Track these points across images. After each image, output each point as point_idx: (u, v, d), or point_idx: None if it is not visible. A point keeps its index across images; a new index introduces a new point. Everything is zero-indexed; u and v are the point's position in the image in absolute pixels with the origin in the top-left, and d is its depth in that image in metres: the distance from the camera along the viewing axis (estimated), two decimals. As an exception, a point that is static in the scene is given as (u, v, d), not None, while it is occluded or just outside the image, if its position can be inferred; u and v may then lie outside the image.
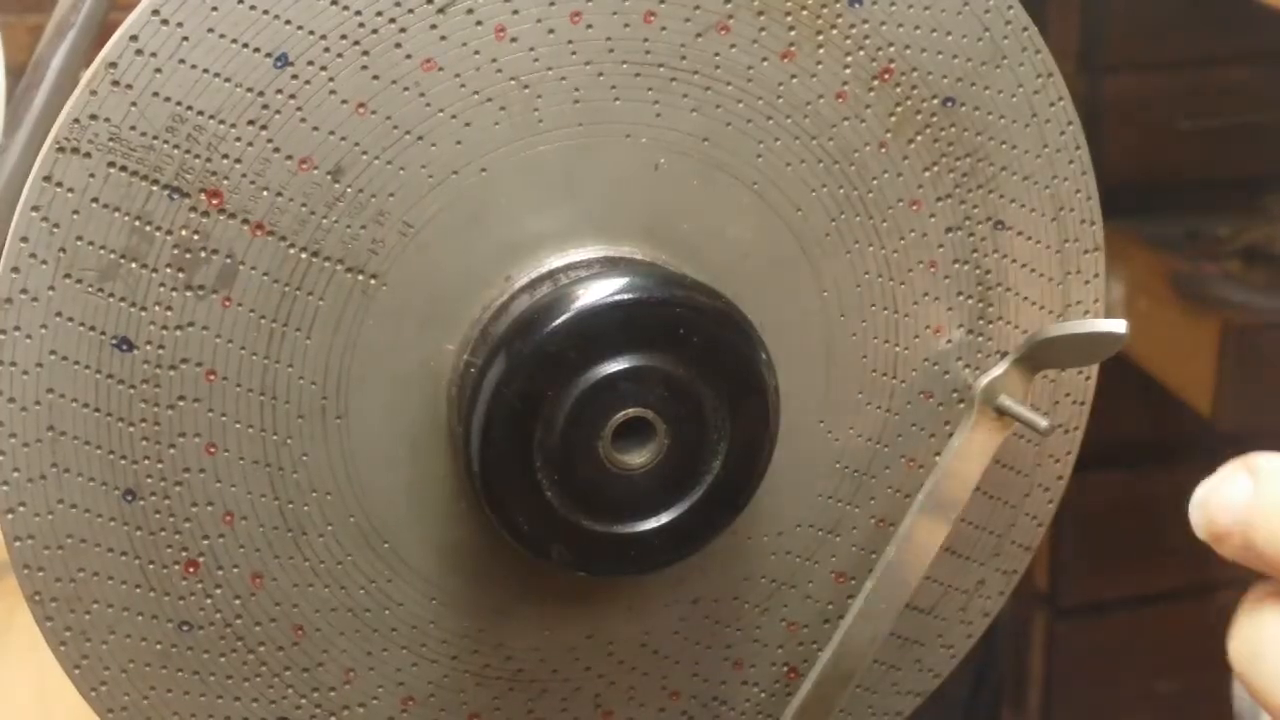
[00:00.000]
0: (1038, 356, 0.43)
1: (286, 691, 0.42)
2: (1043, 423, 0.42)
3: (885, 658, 0.47)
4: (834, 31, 0.41)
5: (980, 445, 0.44)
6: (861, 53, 0.42)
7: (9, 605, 0.42)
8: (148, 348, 0.39)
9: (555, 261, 0.41)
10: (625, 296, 0.38)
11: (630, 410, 0.39)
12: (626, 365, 0.38)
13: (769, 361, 0.40)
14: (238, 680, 0.42)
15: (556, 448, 0.39)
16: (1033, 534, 0.48)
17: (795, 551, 0.45)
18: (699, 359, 0.39)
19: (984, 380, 0.44)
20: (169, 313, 0.39)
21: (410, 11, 0.38)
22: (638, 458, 0.39)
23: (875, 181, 0.43)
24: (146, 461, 0.39)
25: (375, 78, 0.39)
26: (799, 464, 0.44)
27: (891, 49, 0.42)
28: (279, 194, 0.39)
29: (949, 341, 0.44)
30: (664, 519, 0.40)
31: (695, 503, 0.40)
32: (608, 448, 0.39)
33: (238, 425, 0.40)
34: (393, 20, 0.38)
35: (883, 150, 0.43)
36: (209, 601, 0.41)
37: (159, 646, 0.41)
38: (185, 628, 0.41)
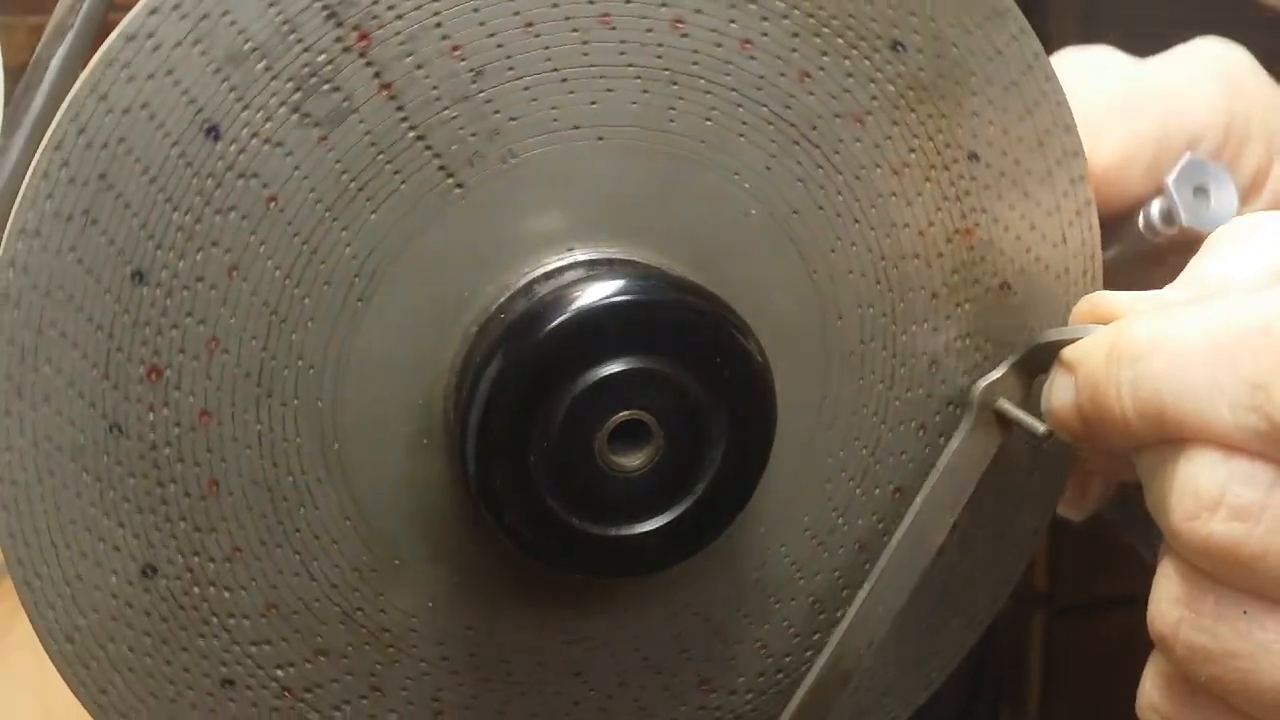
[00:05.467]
0: (1036, 360, 0.43)
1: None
2: (1041, 427, 0.42)
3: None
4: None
5: (978, 449, 0.44)
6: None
7: (9, 607, 0.42)
8: (231, 146, 0.39)
9: (557, 261, 0.41)
10: (623, 298, 0.39)
11: (627, 413, 0.39)
12: (623, 368, 0.39)
13: (766, 365, 0.40)
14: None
15: (553, 449, 0.39)
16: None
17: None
18: (696, 362, 0.39)
19: (982, 384, 0.44)
20: (266, 124, 0.39)
21: None
22: (634, 460, 0.40)
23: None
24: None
25: (555, 5, 0.39)
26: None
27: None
28: (419, 66, 0.39)
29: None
30: (660, 521, 0.40)
31: (692, 505, 0.40)
32: (604, 450, 0.39)
33: (273, 268, 0.39)
34: None
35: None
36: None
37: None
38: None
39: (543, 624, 0.44)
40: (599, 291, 0.39)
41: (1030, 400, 0.43)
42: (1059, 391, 0.40)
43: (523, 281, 0.40)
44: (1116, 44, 0.58)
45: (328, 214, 0.39)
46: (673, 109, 0.41)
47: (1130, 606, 0.40)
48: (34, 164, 0.38)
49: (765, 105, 0.42)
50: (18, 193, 0.38)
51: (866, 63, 0.42)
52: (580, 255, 0.41)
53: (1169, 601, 0.37)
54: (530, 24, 0.39)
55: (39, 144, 0.38)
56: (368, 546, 0.41)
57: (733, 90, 0.41)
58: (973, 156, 0.44)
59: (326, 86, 0.39)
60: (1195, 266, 0.41)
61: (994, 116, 0.44)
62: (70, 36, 0.52)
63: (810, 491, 0.45)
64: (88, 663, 0.40)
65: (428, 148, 0.39)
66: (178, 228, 0.39)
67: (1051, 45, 0.44)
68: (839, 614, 0.45)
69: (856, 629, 0.45)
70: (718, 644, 0.45)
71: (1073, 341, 0.40)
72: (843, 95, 0.42)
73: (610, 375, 0.39)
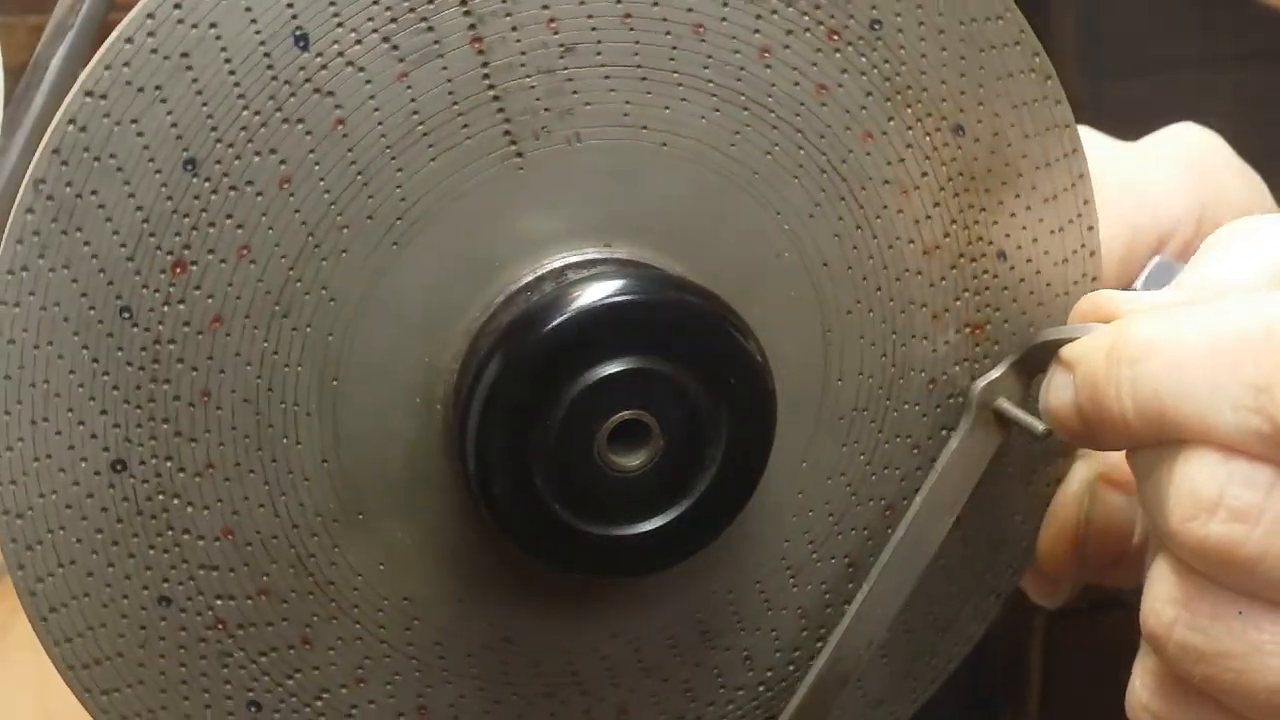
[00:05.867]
0: (1035, 359, 0.43)
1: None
2: (1040, 426, 0.42)
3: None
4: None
5: (977, 448, 0.44)
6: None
7: (9, 607, 0.42)
8: (316, 59, 0.38)
9: (558, 261, 0.41)
10: (623, 298, 0.39)
11: (627, 412, 0.39)
12: (623, 368, 0.39)
13: (766, 365, 0.40)
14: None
15: (553, 449, 0.39)
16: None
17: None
18: (696, 362, 0.39)
19: (981, 383, 0.44)
20: (355, 46, 0.38)
21: None
22: (634, 460, 0.40)
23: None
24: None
25: (655, 4, 0.40)
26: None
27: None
28: (514, 29, 0.39)
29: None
30: (660, 521, 0.40)
31: (691, 505, 0.40)
32: (604, 450, 0.39)
33: (322, 190, 0.39)
34: None
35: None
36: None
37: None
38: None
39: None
40: (599, 291, 0.39)
41: (1030, 400, 0.43)
42: (1057, 390, 0.40)
43: (558, 264, 0.41)
44: (1116, 46, 0.58)
45: (388, 150, 0.39)
46: (738, 134, 0.41)
47: (1130, 607, 0.40)
48: (120, 27, 0.37)
49: (825, 154, 0.42)
50: (18, 193, 0.38)
51: (927, 138, 0.43)
52: (619, 252, 0.41)
53: (1164, 601, 0.37)
54: (628, 15, 0.40)
55: (39, 144, 0.38)
56: (336, 493, 0.41)
57: (799, 131, 0.42)
58: (1000, 255, 0.44)
59: (422, 24, 0.39)
60: (1193, 269, 0.41)
61: (1028, 223, 0.44)
62: (70, 36, 0.52)
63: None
64: (33, 545, 0.39)
65: (500, 110, 0.40)
66: (242, 126, 0.38)
67: (1052, 47, 0.44)
68: (838, 614, 0.45)
69: (855, 630, 0.44)
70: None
71: (1072, 340, 0.40)
72: (897, 164, 0.43)
73: (610, 375, 0.39)
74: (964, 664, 0.48)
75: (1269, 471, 0.34)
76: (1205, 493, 0.35)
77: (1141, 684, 0.39)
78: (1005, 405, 0.43)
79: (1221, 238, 0.41)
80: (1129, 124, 0.59)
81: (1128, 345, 0.37)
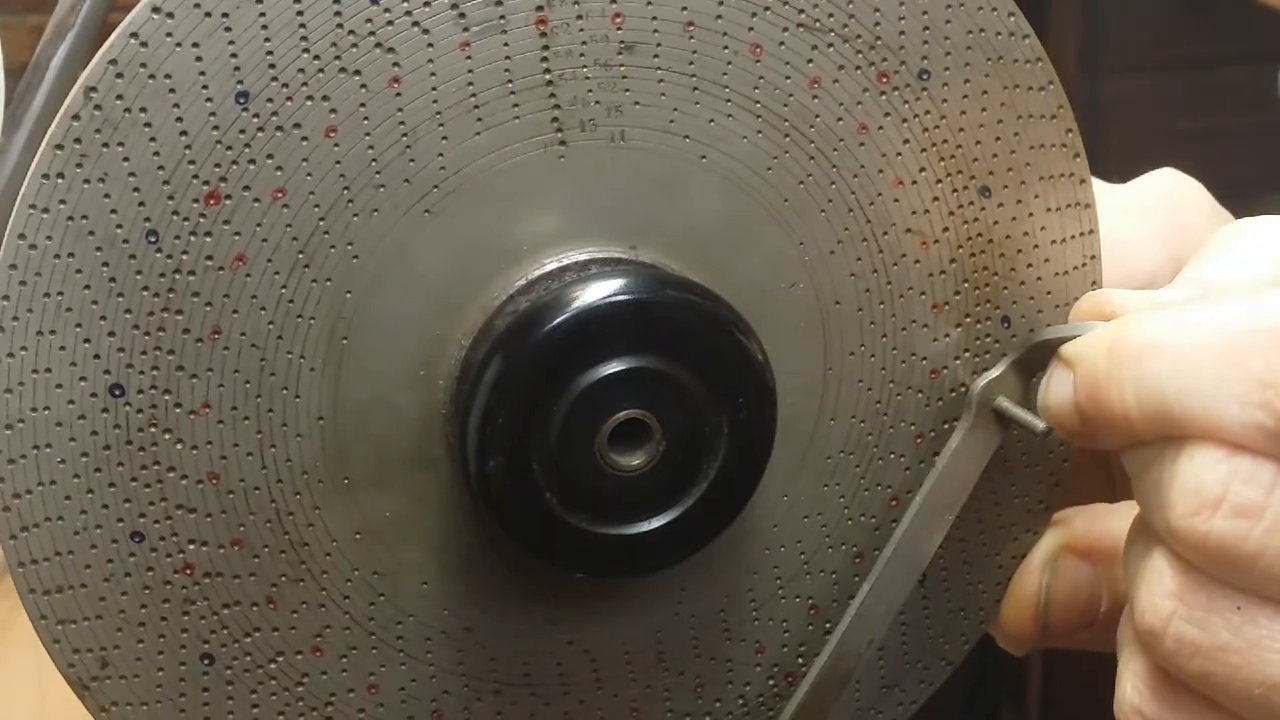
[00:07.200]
0: (1035, 358, 0.43)
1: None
2: (1040, 424, 0.42)
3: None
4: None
5: (977, 448, 0.44)
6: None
7: (9, 605, 0.42)
8: (383, 14, 0.39)
9: (583, 255, 0.41)
10: (623, 298, 0.39)
11: (627, 412, 0.39)
12: (624, 367, 0.39)
13: (766, 364, 0.40)
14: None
15: (553, 449, 0.39)
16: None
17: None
18: (696, 362, 0.39)
19: (981, 382, 0.44)
20: (424, 7, 0.39)
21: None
22: (634, 459, 0.40)
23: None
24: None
25: (719, 18, 0.40)
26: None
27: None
28: (579, 17, 0.40)
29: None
30: (661, 521, 0.40)
31: (692, 505, 0.40)
32: (604, 449, 0.39)
33: (366, 146, 0.39)
34: None
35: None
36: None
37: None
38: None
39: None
40: (599, 290, 0.39)
41: (1029, 398, 0.43)
42: (1057, 388, 0.41)
43: (582, 258, 0.41)
44: (1116, 46, 0.59)
45: (437, 116, 0.39)
46: (776, 159, 0.42)
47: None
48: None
49: (855, 193, 0.43)
50: (18, 193, 0.38)
51: (954, 194, 0.44)
52: (643, 256, 0.41)
53: (1162, 595, 0.37)
54: (691, 24, 0.40)
55: (39, 144, 0.38)
56: (326, 454, 0.41)
57: (834, 166, 0.42)
58: (1004, 321, 0.45)
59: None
60: (1193, 269, 0.42)
61: (1036, 294, 0.45)
62: (70, 36, 0.53)
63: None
64: (16, 459, 0.39)
65: (552, 95, 0.40)
66: (300, 68, 0.38)
67: (1052, 47, 0.45)
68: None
69: (856, 628, 0.44)
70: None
71: (1072, 338, 0.41)
72: (922, 215, 0.43)
73: (610, 375, 0.39)
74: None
75: (1272, 468, 0.35)
76: (1209, 489, 0.35)
77: (1132, 686, 0.39)
78: (1004, 404, 0.44)
79: (1220, 238, 0.42)
80: (1129, 124, 0.59)
81: (1130, 342, 0.38)
